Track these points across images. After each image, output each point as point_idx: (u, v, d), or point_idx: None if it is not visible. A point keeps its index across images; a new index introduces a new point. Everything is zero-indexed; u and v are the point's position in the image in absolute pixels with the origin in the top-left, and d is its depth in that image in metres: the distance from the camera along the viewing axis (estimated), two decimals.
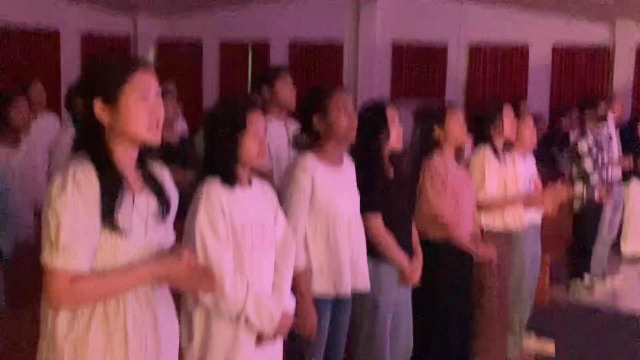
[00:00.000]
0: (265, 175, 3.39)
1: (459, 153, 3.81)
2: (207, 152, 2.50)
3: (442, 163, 3.66)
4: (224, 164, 2.42)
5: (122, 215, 1.85)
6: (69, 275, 1.79)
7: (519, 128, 4.25)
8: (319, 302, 2.89)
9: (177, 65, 11.66)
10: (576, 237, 6.16)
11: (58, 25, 10.10)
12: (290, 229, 2.74)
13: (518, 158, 4.30)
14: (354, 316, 3.12)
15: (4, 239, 3.18)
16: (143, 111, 1.89)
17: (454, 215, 3.63)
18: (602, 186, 6.02)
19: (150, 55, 11.66)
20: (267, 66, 10.52)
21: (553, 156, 7.91)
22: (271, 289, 2.51)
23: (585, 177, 5.96)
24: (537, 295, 4.79)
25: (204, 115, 2.68)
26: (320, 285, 2.91)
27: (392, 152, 3.33)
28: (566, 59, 10.49)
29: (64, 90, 5.50)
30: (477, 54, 10.78)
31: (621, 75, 10.07)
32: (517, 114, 4.30)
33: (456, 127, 3.70)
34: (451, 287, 3.65)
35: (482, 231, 3.99)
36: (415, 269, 3.31)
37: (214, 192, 2.38)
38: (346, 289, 2.96)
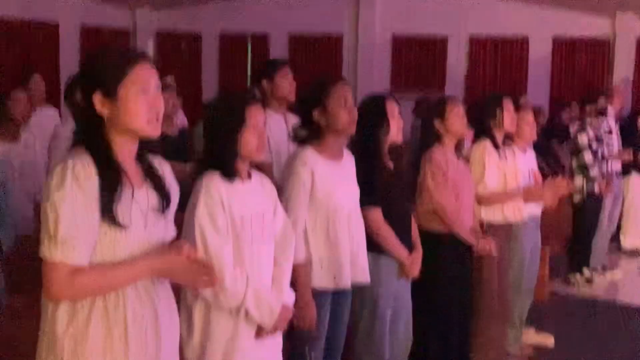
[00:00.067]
0: (265, 169, 3.39)
1: (458, 146, 3.80)
2: (207, 146, 2.50)
3: (442, 156, 3.66)
4: (223, 157, 2.42)
5: (122, 209, 1.84)
6: (67, 268, 1.78)
7: (519, 121, 4.25)
8: (318, 295, 2.89)
9: (177, 58, 11.65)
10: (576, 231, 6.16)
11: (57, 18, 10.07)
12: (290, 222, 2.74)
13: (518, 151, 4.30)
14: (353, 309, 3.12)
15: (3, 232, 3.18)
16: (143, 104, 1.88)
17: (454, 208, 3.63)
18: (602, 179, 6.02)
19: (150, 48, 11.64)
20: (266, 59, 10.50)
21: (553, 149, 7.92)
22: (271, 282, 2.50)
23: (585, 171, 5.97)
24: (537, 289, 4.79)
25: (204, 109, 2.68)
26: (320, 279, 2.91)
27: (392, 145, 3.33)
28: (566, 51, 10.48)
29: (63, 83, 5.49)
30: (477, 46, 10.76)
31: (621, 68, 10.06)
32: (517, 107, 4.29)
33: (456, 120, 3.69)
34: (451, 280, 3.66)
35: (481, 224, 3.99)
36: (414, 262, 3.31)
37: (213, 186, 2.37)
38: (346, 283, 2.97)
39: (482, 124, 4.10)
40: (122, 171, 1.88)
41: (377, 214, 3.18)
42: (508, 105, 4.11)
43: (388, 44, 11.04)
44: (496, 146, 4.08)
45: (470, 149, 4.13)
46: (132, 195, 1.88)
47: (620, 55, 10.09)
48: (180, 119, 5.55)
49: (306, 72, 9.89)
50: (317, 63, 10.99)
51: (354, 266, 2.99)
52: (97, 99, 1.87)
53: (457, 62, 10.79)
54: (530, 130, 4.40)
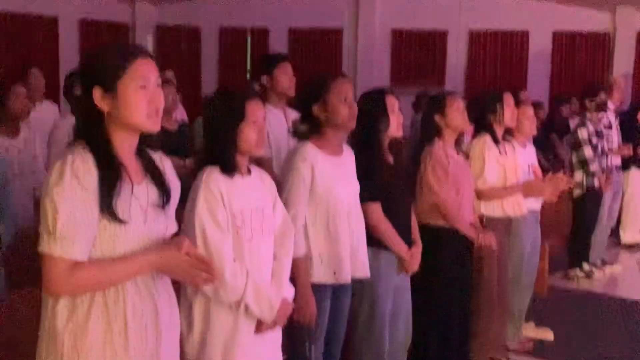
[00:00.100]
0: (265, 164, 3.39)
1: (457, 141, 3.80)
2: (207, 141, 2.50)
3: (443, 151, 3.66)
4: (223, 153, 2.42)
5: (121, 204, 1.85)
6: (66, 263, 1.79)
7: (519, 116, 4.25)
8: (318, 290, 2.89)
9: (176, 52, 11.63)
10: (576, 225, 6.17)
11: (56, 12, 10.06)
12: (290, 217, 2.74)
13: (518, 146, 4.30)
14: (353, 304, 3.13)
15: (3, 227, 3.17)
16: (142, 99, 1.88)
17: (454, 202, 3.63)
18: (602, 174, 6.03)
19: (149, 42, 11.63)
20: (266, 53, 10.48)
21: (553, 144, 7.93)
22: (270, 277, 2.51)
23: (585, 165, 5.97)
24: (537, 284, 4.80)
25: (204, 104, 2.68)
26: (320, 274, 2.91)
27: (392, 140, 3.33)
28: (566, 46, 10.47)
29: (62, 78, 5.48)
30: (477, 40, 10.76)
31: (621, 63, 10.06)
32: (517, 102, 4.29)
33: (457, 114, 3.69)
34: (451, 274, 3.66)
35: (481, 219, 4.00)
36: (414, 257, 3.31)
37: (213, 181, 2.38)
38: (346, 277, 2.97)
39: (482, 119, 4.10)
40: (121, 166, 1.88)
41: (376, 209, 3.18)
42: (509, 100, 4.11)
43: (388, 39, 11.03)
44: (496, 141, 4.08)
45: (469, 144, 4.13)
46: (132, 191, 1.88)
47: (620, 49, 10.09)
48: (180, 114, 5.55)
49: (306, 66, 9.89)
50: (317, 58, 10.99)
51: (354, 261, 2.99)
52: (97, 95, 1.88)
53: (456, 56, 10.79)
54: (530, 125, 4.40)
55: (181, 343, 2.17)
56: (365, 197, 3.09)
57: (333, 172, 2.92)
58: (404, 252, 3.27)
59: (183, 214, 2.36)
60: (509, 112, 4.10)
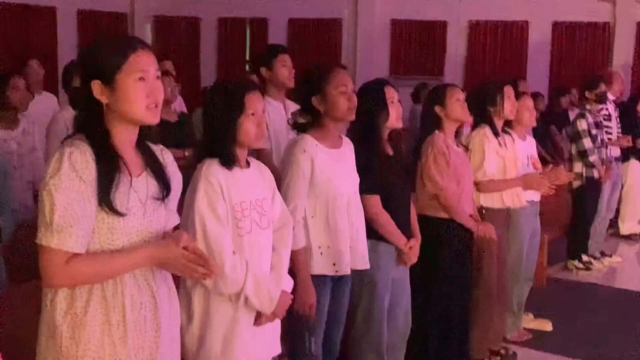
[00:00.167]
0: (265, 156, 3.39)
1: (457, 133, 3.80)
2: (206, 134, 2.49)
3: (444, 142, 3.66)
4: (222, 145, 2.42)
5: (119, 197, 1.85)
6: (63, 255, 1.79)
7: (519, 107, 4.24)
8: (318, 281, 2.90)
9: (175, 43, 11.61)
10: (575, 216, 6.17)
11: (54, 2, 10.03)
12: (290, 209, 2.74)
13: (517, 139, 4.30)
14: (352, 294, 3.13)
15: (3, 220, 3.17)
16: (141, 92, 1.88)
17: (455, 193, 3.63)
18: (602, 165, 6.03)
19: (147, 33, 11.60)
20: (265, 44, 10.45)
21: (552, 135, 7.93)
22: (269, 269, 2.51)
23: (584, 157, 5.97)
24: (536, 275, 4.81)
25: (203, 96, 2.67)
26: (320, 266, 2.92)
27: (392, 131, 3.32)
28: (566, 36, 10.45)
29: (60, 69, 5.46)
30: (477, 31, 10.74)
31: (621, 53, 10.05)
32: (517, 94, 4.28)
33: (457, 106, 3.69)
34: (451, 266, 3.67)
35: (480, 210, 4.00)
36: (413, 249, 3.32)
37: (212, 174, 2.37)
38: (346, 269, 2.97)
39: (482, 111, 4.09)
40: (120, 159, 1.88)
41: (375, 201, 3.18)
42: (509, 92, 4.10)
43: (387, 29, 11.01)
44: (495, 133, 4.07)
45: (469, 136, 4.12)
46: (130, 183, 1.88)
47: (620, 40, 10.07)
48: (179, 105, 5.54)
49: (305, 57, 9.88)
50: (316, 48, 10.98)
51: (353, 253, 2.99)
52: (96, 87, 1.87)
53: (456, 47, 10.77)
54: (529, 116, 4.39)
55: (181, 335, 2.17)
56: (365, 189, 3.09)
57: (332, 164, 2.91)
58: (403, 244, 3.27)
59: (181, 205, 2.35)
60: (509, 104, 4.09)
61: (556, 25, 10.35)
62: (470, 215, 3.76)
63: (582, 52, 10.30)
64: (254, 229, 2.44)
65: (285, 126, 3.52)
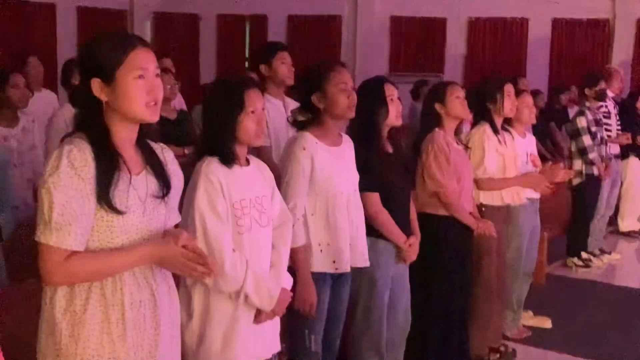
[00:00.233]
0: (265, 153, 3.39)
1: (456, 131, 3.80)
2: (206, 131, 2.50)
3: (444, 139, 3.66)
4: (222, 143, 2.42)
5: (118, 195, 1.85)
6: (62, 253, 1.79)
7: (518, 105, 4.24)
8: (318, 279, 2.90)
9: (174, 39, 11.60)
10: (575, 214, 6.18)
11: None
12: (290, 207, 2.75)
13: (517, 136, 4.30)
14: (351, 292, 3.14)
15: (3, 218, 3.17)
16: (141, 90, 1.88)
17: (455, 191, 3.64)
18: (602, 163, 6.04)
19: (147, 29, 11.60)
20: (265, 41, 10.44)
21: (551, 132, 7.94)
22: (269, 267, 2.51)
23: (584, 154, 5.97)
24: (535, 272, 4.82)
25: (203, 93, 2.67)
26: (320, 263, 2.92)
27: (392, 129, 3.32)
28: (566, 33, 10.45)
29: (60, 66, 5.45)
30: (477, 28, 10.74)
31: (621, 50, 10.05)
32: (517, 91, 4.28)
33: (457, 103, 3.69)
34: (451, 263, 3.67)
35: (480, 208, 4.00)
36: (412, 246, 3.32)
37: (212, 171, 2.37)
38: (346, 267, 2.98)
39: (481, 109, 4.09)
40: (119, 157, 1.88)
41: (374, 198, 3.19)
42: (509, 90, 4.10)
43: (387, 26, 11.01)
44: (495, 131, 4.07)
45: (468, 133, 4.12)
46: (130, 182, 1.88)
47: (619, 37, 10.07)
48: (179, 103, 5.53)
49: (305, 54, 9.87)
50: (316, 45, 10.97)
51: (353, 251, 3.00)
52: (96, 85, 1.87)
53: (456, 44, 10.77)
54: (529, 113, 4.39)
55: (181, 333, 2.17)
56: (364, 187, 3.09)
57: (332, 162, 2.91)
58: (402, 242, 3.27)
59: (181, 203, 2.35)
60: (509, 102, 4.09)
61: (556, 22, 10.35)
62: (470, 213, 3.76)
63: (581, 49, 10.29)
64: (253, 227, 2.44)
65: (284, 123, 3.52)
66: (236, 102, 2.41)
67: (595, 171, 6.01)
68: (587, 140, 5.96)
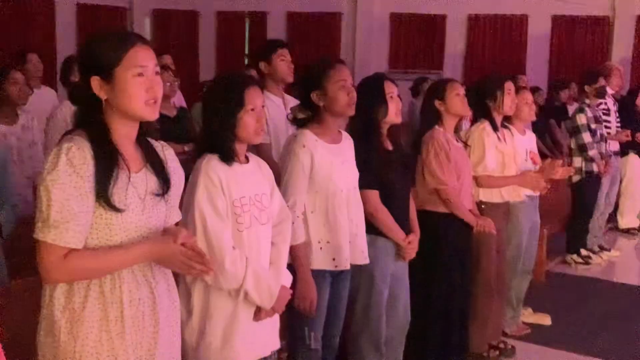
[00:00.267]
0: (264, 151, 3.39)
1: (456, 128, 3.80)
2: (206, 129, 2.50)
3: (444, 136, 3.66)
4: (222, 141, 2.42)
5: (117, 193, 1.85)
6: (60, 250, 1.80)
7: (518, 102, 4.23)
8: (318, 276, 2.90)
9: (174, 37, 11.59)
10: (574, 211, 6.18)
11: None
12: (290, 204, 2.76)
13: (517, 133, 4.30)
14: (351, 289, 3.14)
15: (4, 215, 3.17)
16: (140, 87, 1.87)
17: (455, 188, 3.64)
18: (601, 160, 6.04)
19: (146, 26, 11.58)
20: (264, 38, 10.44)
21: (551, 129, 7.93)
22: (269, 264, 2.52)
23: (584, 151, 5.98)
24: (535, 269, 4.82)
25: (203, 91, 2.67)
26: (320, 260, 2.92)
27: (392, 126, 3.32)
28: (566, 30, 10.44)
29: (59, 62, 5.45)
30: (476, 25, 10.73)
31: (621, 47, 10.04)
32: (516, 88, 4.27)
33: (457, 100, 3.69)
34: (450, 260, 3.67)
35: (479, 204, 4.00)
36: (411, 244, 3.32)
37: (212, 169, 2.38)
38: (345, 264, 2.98)
39: (481, 106, 4.09)
40: (118, 154, 1.88)
41: (374, 196, 3.19)
42: (510, 88, 4.09)
43: (386, 23, 11.00)
44: (495, 128, 4.07)
45: (468, 131, 4.12)
46: (129, 179, 1.88)
47: (619, 33, 10.07)
48: (178, 100, 5.53)
49: (304, 51, 9.87)
50: (315, 42, 10.97)
51: (353, 248, 3.00)
52: (95, 83, 1.87)
53: (455, 41, 10.76)
54: (529, 110, 4.38)
55: (181, 330, 2.17)
56: (363, 184, 3.09)
57: (332, 159, 2.91)
58: (402, 240, 3.27)
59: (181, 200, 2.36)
60: (509, 100, 4.08)
61: (556, 19, 10.34)
62: (470, 210, 3.76)
63: (581, 46, 10.29)
64: (253, 224, 2.44)
65: (284, 121, 3.52)
66: (236, 100, 2.41)
67: (595, 168, 6.02)
68: (586, 137, 5.96)
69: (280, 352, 2.75)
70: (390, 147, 3.33)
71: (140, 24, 11.40)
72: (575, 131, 6.04)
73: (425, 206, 3.62)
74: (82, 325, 1.85)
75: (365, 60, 10.59)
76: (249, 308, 2.45)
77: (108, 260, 1.86)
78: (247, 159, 2.51)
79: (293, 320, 2.92)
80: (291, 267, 2.74)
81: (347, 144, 3.05)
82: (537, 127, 5.51)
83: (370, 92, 3.23)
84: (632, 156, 7.06)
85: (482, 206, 4.02)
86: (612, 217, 7.21)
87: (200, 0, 11.56)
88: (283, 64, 3.80)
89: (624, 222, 7.36)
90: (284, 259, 2.59)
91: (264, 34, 11.09)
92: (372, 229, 3.17)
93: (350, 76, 2.97)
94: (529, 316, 4.79)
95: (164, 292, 2.00)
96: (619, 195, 7.05)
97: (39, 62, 5.51)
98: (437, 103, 3.70)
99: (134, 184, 1.90)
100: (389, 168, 3.25)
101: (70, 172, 1.78)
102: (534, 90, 6.72)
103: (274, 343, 2.60)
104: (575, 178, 6.00)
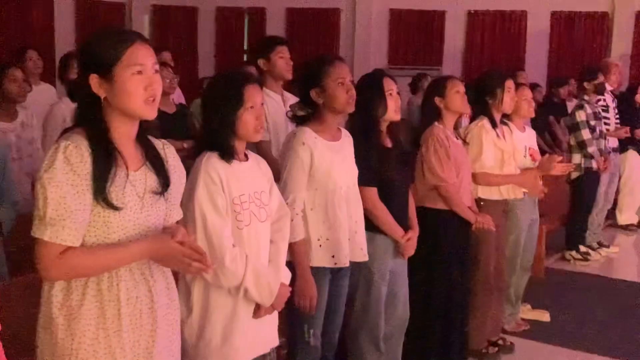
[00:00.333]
0: (264, 148, 3.39)
1: (455, 125, 3.80)
2: (205, 127, 2.50)
3: (444, 133, 3.66)
4: (221, 138, 2.42)
5: (115, 191, 1.85)
6: (57, 248, 1.80)
7: (517, 99, 4.23)
8: (317, 273, 2.90)
9: (173, 33, 11.57)
10: (573, 207, 6.19)
11: None
12: (289, 201, 2.76)
13: (516, 130, 4.30)
14: (349, 286, 3.14)
15: (3, 212, 3.17)
16: (139, 85, 1.87)
17: (455, 185, 3.64)
18: (600, 156, 6.04)
19: (145, 22, 11.56)
20: (263, 34, 10.43)
21: (550, 126, 7.94)
22: (268, 262, 2.52)
23: (583, 147, 5.98)
24: (534, 266, 4.82)
25: (201, 87, 2.67)
26: (319, 258, 2.92)
27: (391, 123, 3.32)
28: (565, 26, 10.43)
29: (58, 59, 5.43)
30: (476, 21, 10.71)
31: (620, 43, 10.03)
32: (515, 85, 4.27)
33: (456, 98, 3.69)
34: (450, 257, 3.68)
35: (478, 201, 4.00)
36: (410, 241, 3.32)
37: (212, 166, 2.38)
38: (344, 261, 2.98)
39: (480, 103, 4.09)
40: (117, 152, 1.88)
41: (372, 193, 3.19)
42: (510, 86, 4.09)
43: (385, 19, 10.98)
44: (494, 125, 4.07)
45: (467, 128, 4.12)
46: (127, 177, 1.88)
47: (619, 29, 10.06)
48: (177, 97, 5.52)
49: (303, 47, 9.86)
50: (314, 38, 10.96)
51: (352, 245, 3.00)
52: (94, 81, 1.87)
53: (454, 37, 10.75)
54: (528, 107, 4.38)
55: (180, 328, 2.18)
56: (362, 181, 3.09)
57: (331, 156, 2.91)
58: (400, 237, 3.28)
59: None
60: (508, 97, 4.08)
61: (555, 15, 10.33)
62: (469, 207, 3.77)
63: (580, 42, 10.28)
64: (253, 222, 2.45)
65: (284, 118, 3.52)
66: (235, 98, 2.41)
67: (594, 165, 6.02)
68: (586, 133, 5.96)
69: (280, 349, 2.76)
70: (389, 144, 3.33)
71: (139, 20, 11.38)
72: (574, 128, 6.05)
73: (425, 203, 3.62)
74: (79, 322, 1.85)
75: (365, 56, 10.59)
76: (249, 305, 2.45)
77: (106, 258, 1.86)
78: (246, 157, 2.52)
79: (292, 317, 2.92)
80: (290, 264, 2.74)
81: (347, 141, 3.05)
82: (536, 124, 5.51)
83: (370, 90, 3.22)
84: (631, 152, 7.06)
85: (481, 203, 4.02)
86: (611, 214, 7.21)
87: None
88: (282, 62, 3.79)
89: (623, 218, 7.37)
90: (283, 256, 2.59)
91: (263, 30, 11.08)
92: (371, 226, 3.17)
93: (350, 73, 2.96)
94: (527, 312, 4.80)
95: (162, 290, 1.99)
96: (617, 192, 7.05)
97: (39, 59, 5.49)
98: (437, 100, 3.70)
99: (133, 182, 1.89)
100: (388, 165, 3.24)
101: (67, 170, 1.78)
102: (533, 86, 6.71)
103: (273, 340, 2.61)
104: (575, 175, 6.00)
